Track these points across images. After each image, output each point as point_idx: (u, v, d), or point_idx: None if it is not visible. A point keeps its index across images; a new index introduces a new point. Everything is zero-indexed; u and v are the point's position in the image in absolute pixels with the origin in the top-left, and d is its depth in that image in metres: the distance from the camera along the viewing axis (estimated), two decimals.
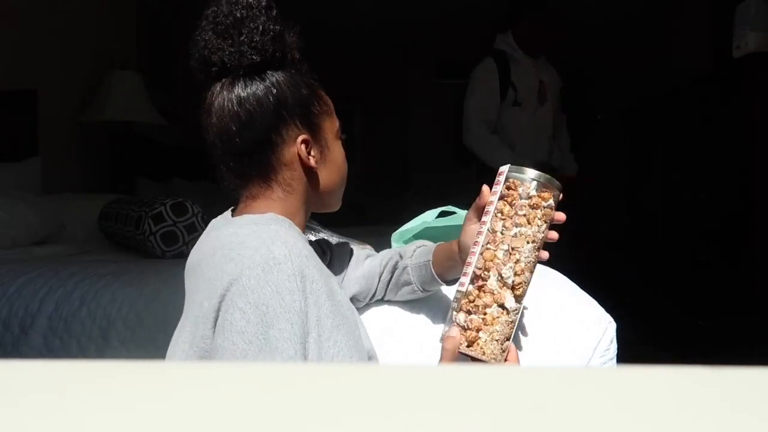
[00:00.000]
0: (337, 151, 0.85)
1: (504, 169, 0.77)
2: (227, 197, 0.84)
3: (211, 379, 0.17)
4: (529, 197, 0.74)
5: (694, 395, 0.16)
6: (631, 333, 2.69)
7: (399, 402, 0.16)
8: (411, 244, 1.01)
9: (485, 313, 0.72)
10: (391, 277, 0.99)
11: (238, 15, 0.74)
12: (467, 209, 1.21)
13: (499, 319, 0.72)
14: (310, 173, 0.82)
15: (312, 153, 0.81)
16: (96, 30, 3.07)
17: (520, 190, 0.74)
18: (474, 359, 0.72)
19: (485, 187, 0.80)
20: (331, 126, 0.84)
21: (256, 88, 0.77)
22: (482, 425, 0.14)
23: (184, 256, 1.67)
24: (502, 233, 0.74)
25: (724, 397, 0.16)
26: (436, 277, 0.92)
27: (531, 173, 0.75)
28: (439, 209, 1.21)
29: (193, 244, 0.82)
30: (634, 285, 3.42)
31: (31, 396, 0.15)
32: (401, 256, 0.98)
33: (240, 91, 0.76)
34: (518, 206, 0.74)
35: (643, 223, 3.49)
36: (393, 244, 1.28)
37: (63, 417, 0.15)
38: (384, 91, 5.32)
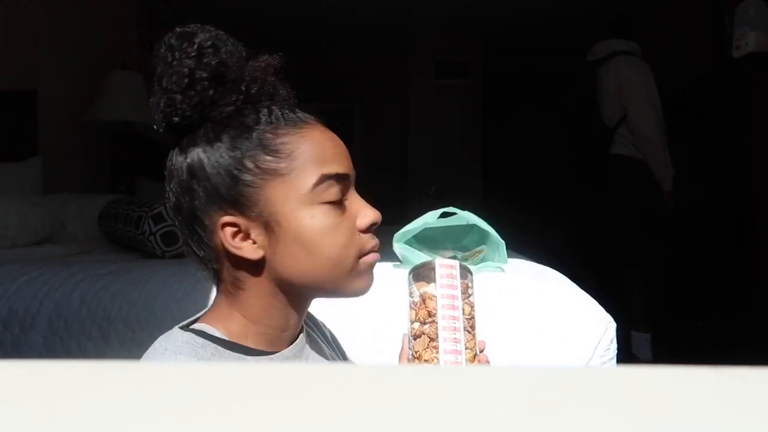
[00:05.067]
0: (304, 224, 0.58)
1: (454, 262, 0.70)
2: None
3: (211, 380, 0.17)
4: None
5: (694, 395, 0.16)
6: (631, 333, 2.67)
7: (398, 402, 0.16)
8: None
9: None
10: None
11: (159, 67, 0.58)
12: (468, 210, 1.22)
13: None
14: (260, 264, 0.60)
15: (252, 237, 0.59)
16: (96, 30, 3.07)
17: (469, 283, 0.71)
18: None
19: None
20: (288, 190, 0.58)
21: (176, 160, 0.60)
22: (482, 425, 0.14)
23: (184, 256, 1.68)
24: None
25: (724, 397, 0.16)
26: None
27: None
28: (441, 210, 1.21)
29: None
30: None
31: (31, 396, 0.15)
32: None
33: (168, 164, 0.61)
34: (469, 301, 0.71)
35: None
36: (395, 244, 1.28)
37: (63, 417, 0.15)
38: (384, 91, 5.32)
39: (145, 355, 0.58)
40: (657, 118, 2.57)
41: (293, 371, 0.18)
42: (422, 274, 0.69)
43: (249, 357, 0.60)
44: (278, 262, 0.59)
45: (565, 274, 1.29)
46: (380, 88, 5.32)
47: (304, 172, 0.58)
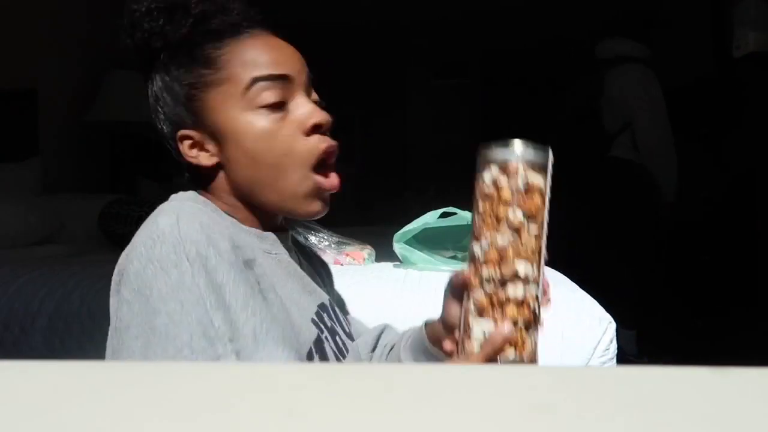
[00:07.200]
0: (243, 129, 0.62)
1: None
2: None
3: (211, 379, 0.17)
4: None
5: (693, 395, 0.16)
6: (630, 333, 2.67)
7: (399, 402, 0.16)
8: (400, 336, 0.76)
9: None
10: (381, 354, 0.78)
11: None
12: (468, 210, 1.22)
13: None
14: (217, 171, 0.65)
15: (206, 147, 0.64)
16: (96, 30, 3.07)
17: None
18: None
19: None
20: (225, 98, 0.62)
21: (149, 88, 0.68)
22: (483, 425, 0.14)
23: None
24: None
25: (723, 397, 0.16)
26: (435, 355, 0.69)
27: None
28: (441, 210, 1.22)
29: None
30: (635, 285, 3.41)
31: (31, 396, 0.15)
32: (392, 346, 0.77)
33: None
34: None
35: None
36: (395, 244, 1.28)
37: (63, 417, 0.15)
38: (383, 92, 5.31)
39: (157, 210, 0.59)
40: (664, 129, 2.50)
41: (292, 372, 0.18)
42: (535, 157, 0.56)
43: (243, 226, 0.64)
44: (230, 169, 0.64)
45: (565, 274, 1.29)
46: (380, 89, 5.32)
47: (237, 77, 0.62)
